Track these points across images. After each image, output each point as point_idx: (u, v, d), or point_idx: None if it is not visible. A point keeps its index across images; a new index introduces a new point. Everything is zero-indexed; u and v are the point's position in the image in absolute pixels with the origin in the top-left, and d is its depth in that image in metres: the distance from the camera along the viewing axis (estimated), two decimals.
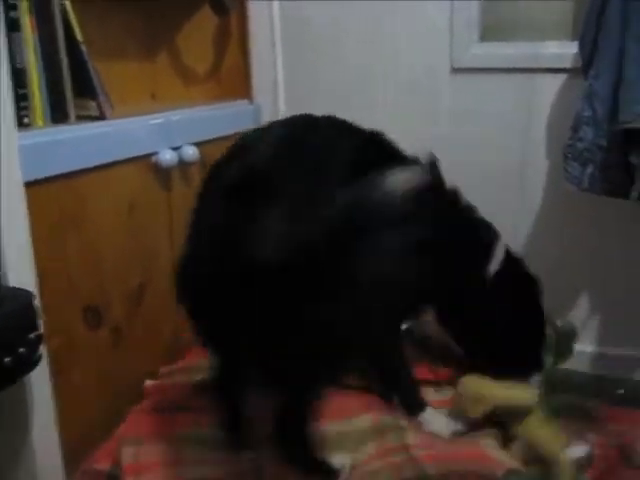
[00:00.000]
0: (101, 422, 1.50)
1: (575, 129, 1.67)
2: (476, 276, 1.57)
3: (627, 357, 1.98)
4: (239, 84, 2.16)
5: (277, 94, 2.16)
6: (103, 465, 1.39)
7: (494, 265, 1.57)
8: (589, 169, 1.66)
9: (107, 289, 1.55)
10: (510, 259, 1.61)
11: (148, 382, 1.66)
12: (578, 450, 1.46)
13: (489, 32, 2.03)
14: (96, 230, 1.50)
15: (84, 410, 1.47)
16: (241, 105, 2.15)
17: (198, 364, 1.69)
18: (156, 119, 1.73)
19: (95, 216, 1.50)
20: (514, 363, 1.56)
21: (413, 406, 1.53)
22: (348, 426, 1.48)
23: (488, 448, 1.40)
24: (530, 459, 1.41)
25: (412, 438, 1.43)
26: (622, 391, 1.93)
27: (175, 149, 1.74)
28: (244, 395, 1.43)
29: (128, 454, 1.38)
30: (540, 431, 1.44)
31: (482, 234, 1.61)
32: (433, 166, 1.45)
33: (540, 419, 1.46)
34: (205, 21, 2.14)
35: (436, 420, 1.51)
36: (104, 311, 1.53)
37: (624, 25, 1.55)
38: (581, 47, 1.70)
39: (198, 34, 2.17)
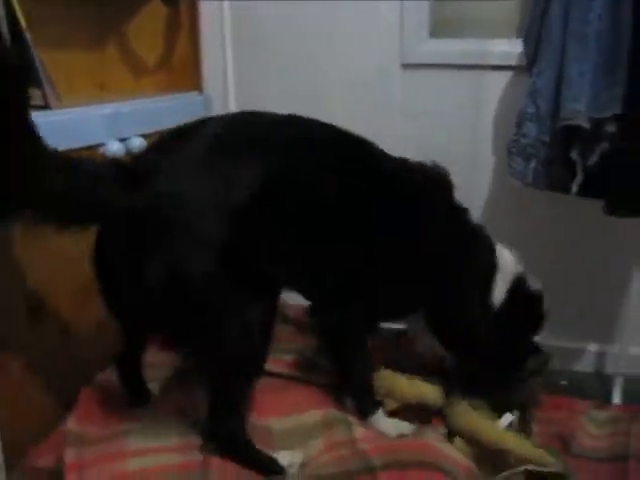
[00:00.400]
0: (46, 418, 1.48)
1: (519, 125, 1.70)
2: (476, 296, 1.57)
3: (567, 349, 2.05)
4: (189, 75, 2.13)
5: (227, 85, 2.15)
6: (46, 462, 1.36)
7: (499, 290, 1.57)
8: (532, 164, 1.70)
9: (52, 286, 1.52)
10: (520, 289, 1.59)
11: (100, 374, 1.64)
12: (506, 419, 1.52)
13: (439, 29, 2.06)
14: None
15: (27, 407, 1.45)
16: (191, 96, 2.13)
17: (150, 360, 1.70)
18: (103, 110, 1.70)
19: None
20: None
21: (365, 407, 1.53)
22: (297, 421, 1.50)
23: (431, 440, 1.42)
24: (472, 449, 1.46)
25: (359, 432, 1.45)
26: (565, 382, 1.98)
27: (123, 140, 1.71)
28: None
29: (72, 450, 1.35)
30: (469, 418, 1.49)
31: (486, 256, 1.59)
32: (445, 178, 1.54)
33: (465, 408, 1.51)
34: (155, 11, 2.10)
35: (384, 422, 1.52)
36: (50, 309, 1.51)
37: (565, 24, 1.59)
38: (525, 45, 1.74)
39: (148, 24, 2.14)
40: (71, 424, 1.45)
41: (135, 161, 1.36)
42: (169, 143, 1.36)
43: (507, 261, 1.58)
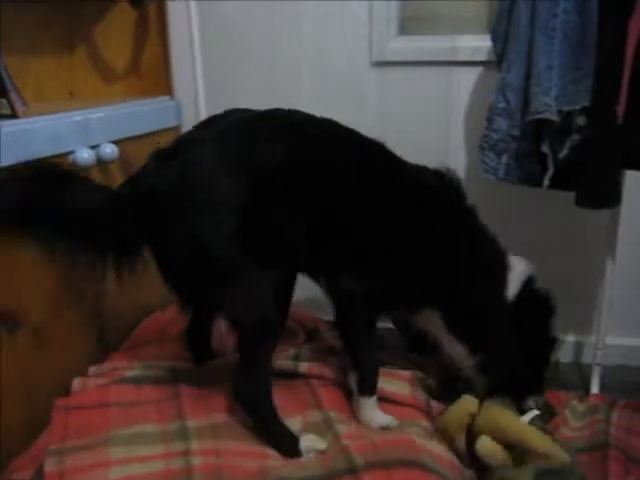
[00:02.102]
0: (22, 428, 1.46)
1: (490, 120, 1.71)
2: (489, 297, 1.59)
3: None
4: (160, 80, 2.13)
5: (197, 90, 2.14)
6: (25, 474, 1.33)
7: (512, 289, 1.58)
8: (504, 159, 1.71)
9: (25, 293, 1.50)
10: (529, 287, 1.61)
11: (77, 380, 1.62)
12: (528, 415, 1.52)
13: (408, 26, 2.07)
14: (10, 232, 1.45)
15: (2, 416, 1.43)
16: (162, 101, 2.12)
17: (128, 364, 1.69)
18: (73, 117, 1.68)
19: None
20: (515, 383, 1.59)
21: (364, 387, 1.53)
22: None
23: (414, 435, 1.43)
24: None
25: (344, 429, 1.45)
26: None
27: (93, 147, 1.70)
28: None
29: (51, 460, 1.33)
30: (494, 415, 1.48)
31: (498, 255, 1.61)
32: (456, 182, 1.57)
33: (489, 406, 1.51)
34: (123, 15, 2.10)
35: (370, 410, 1.52)
36: (23, 314, 1.49)
37: (532, 18, 1.60)
38: (494, 40, 1.74)
39: (117, 29, 2.13)
40: (49, 435, 1.43)
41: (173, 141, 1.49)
42: (200, 126, 1.50)
43: (517, 262, 1.61)
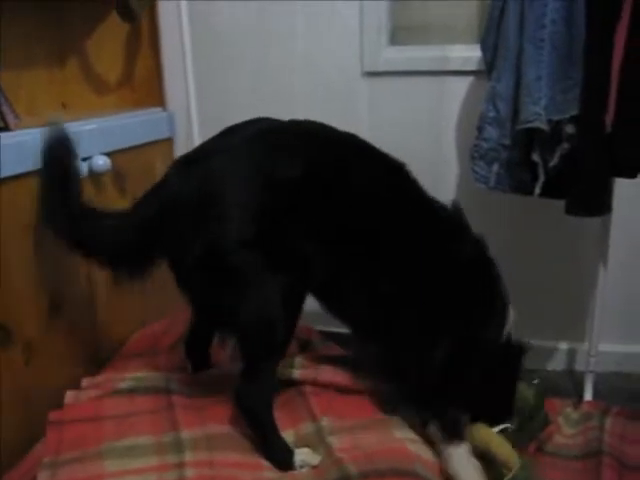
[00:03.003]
0: (15, 441, 1.45)
1: (480, 129, 1.72)
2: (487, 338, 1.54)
3: (538, 348, 2.04)
4: (152, 92, 2.13)
5: (189, 101, 2.15)
6: None
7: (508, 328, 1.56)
8: (495, 168, 1.72)
9: (17, 307, 1.50)
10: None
11: (69, 393, 1.62)
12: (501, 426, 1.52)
13: (398, 36, 2.08)
14: (1, 246, 1.45)
15: None
16: (154, 113, 2.13)
17: (121, 376, 1.69)
18: None
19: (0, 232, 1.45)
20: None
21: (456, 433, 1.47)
22: None
23: (408, 443, 1.43)
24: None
25: (336, 442, 1.44)
26: (538, 380, 1.99)
27: (85, 160, 1.70)
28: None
29: (45, 473, 1.33)
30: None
31: (501, 295, 1.56)
32: (459, 214, 1.55)
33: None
34: (115, 27, 2.10)
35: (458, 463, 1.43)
36: (15, 329, 1.49)
37: (520, 28, 1.61)
38: (483, 50, 1.76)
39: (109, 41, 2.13)
40: (43, 448, 1.43)
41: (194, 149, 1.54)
42: (221, 135, 1.50)
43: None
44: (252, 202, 1.38)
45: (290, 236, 1.41)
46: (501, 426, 1.52)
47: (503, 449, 1.44)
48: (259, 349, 1.43)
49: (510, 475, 1.39)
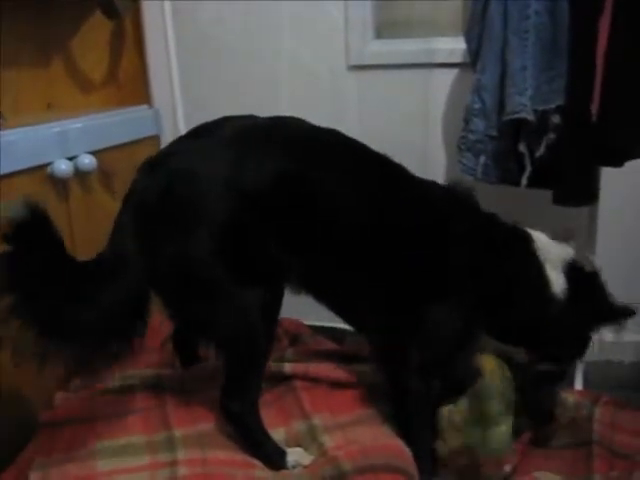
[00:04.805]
0: (7, 442, 1.45)
1: (466, 121, 1.72)
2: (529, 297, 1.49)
3: None
4: (137, 89, 2.13)
5: (175, 98, 2.15)
6: None
7: (557, 280, 1.48)
8: (482, 159, 1.72)
9: None
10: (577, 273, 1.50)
11: (59, 394, 1.62)
12: None
13: (383, 30, 2.08)
14: None
15: None
16: (140, 111, 2.12)
17: (111, 375, 1.67)
18: (51, 128, 1.69)
19: None
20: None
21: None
22: None
23: (398, 440, 1.43)
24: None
25: (329, 441, 1.43)
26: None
27: (71, 159, 1.70)
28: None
29: (37, 474, 1.33)
30: None
31: (525, 257, 1.49)
32: (469, 194, 1.50)
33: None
34: (99, 26, 2.09)
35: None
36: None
37: (504, 19, 1.61)
38: (468, 42, 1.76)
39: (93, 39, 2.12)
40: (34, 449, 1.43)
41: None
42: (191, 134, 1.44)
43: (549, 249, 1.50)
44: (218, 211, 1.32)
45: (262, 247, 1.36)
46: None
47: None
48: (240, 362, 1.41)
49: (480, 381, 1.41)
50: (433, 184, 1.52)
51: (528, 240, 1.50)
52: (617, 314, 1.47)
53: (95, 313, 1.27)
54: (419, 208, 1.47)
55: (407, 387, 1.44)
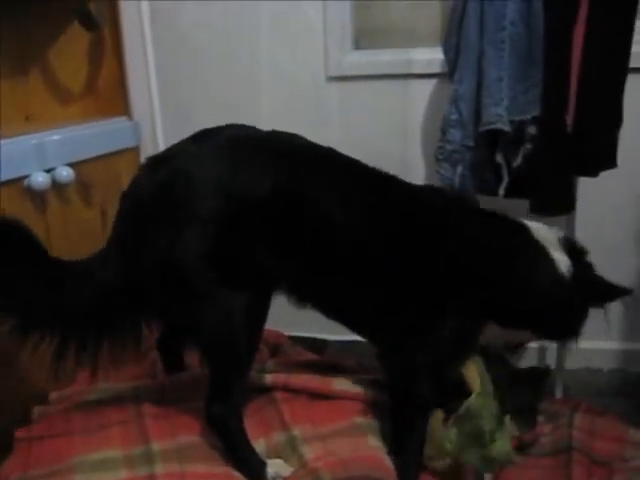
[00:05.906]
0: None
1: (444, 132, 1.74)
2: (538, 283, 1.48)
3: None
4: (116, 100, 2.12)
5: (154, 109, 2.14)
6: None
7: (561, 260, 1.46)
8: (459, 169, 1.73)
9: None
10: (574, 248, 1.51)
11: (37, 408, 1.60)
12: None
13: (362, 40, 2.09)
14: None
15: None
16: (119, 122, 2.11)
17: (90, 388, 1.67)
18: (29, 141, 1.68)
19: None
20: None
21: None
22: None
23: (381, 450, 1.43)
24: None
25: (308, 452, 1.43)
26: None
27: (49, 171, 1.69)
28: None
29: None
30: None
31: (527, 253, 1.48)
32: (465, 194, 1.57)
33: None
34: (77, 37, 2.07)
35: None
36: None
37: (481, 30, 1.63)
38: (445, 53, 1.77)
39: (71, 51, 2.10)
40: (11, 464, 1.42)
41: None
42: (193, 138, 1.46)
43: (543, 233, 1.50)
44: (212, 213, 1.34)
45: (250, 251, 1.37)
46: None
47: (471, 374, 1.47)
48: (223, 365, 1.41)
49: (466, 403, 1.42)
50: (425, 187, 1.56)
51: (525, 228, 1.51)
52: (616, 291, 1.49)
53: (68, 301, 1.40)
54: (413, 211, 1.47)
55: (410, 390, 1.45)
